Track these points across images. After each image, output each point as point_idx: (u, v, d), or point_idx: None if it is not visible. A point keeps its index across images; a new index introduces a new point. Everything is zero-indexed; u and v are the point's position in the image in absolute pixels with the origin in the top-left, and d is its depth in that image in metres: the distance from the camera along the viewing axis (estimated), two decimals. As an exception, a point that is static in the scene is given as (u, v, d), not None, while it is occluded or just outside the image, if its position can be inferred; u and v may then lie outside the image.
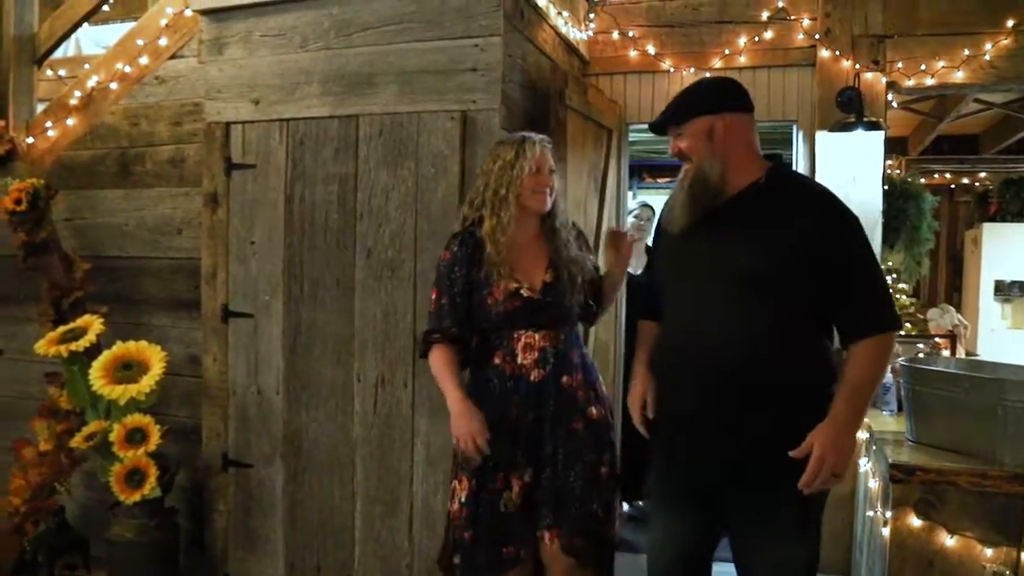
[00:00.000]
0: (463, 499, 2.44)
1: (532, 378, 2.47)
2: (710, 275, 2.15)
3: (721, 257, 2.14)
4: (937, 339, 3.58)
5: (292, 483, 3.20)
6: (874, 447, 2.77)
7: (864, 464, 3.08)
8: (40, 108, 3.76)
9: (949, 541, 2.30)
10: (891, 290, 4.22)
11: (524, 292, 2.48)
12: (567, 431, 2.47)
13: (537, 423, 2.47)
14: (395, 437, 3.02)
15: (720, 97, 2.22)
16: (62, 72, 4.62)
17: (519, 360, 2.49)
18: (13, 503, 3.24)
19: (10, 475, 3.30)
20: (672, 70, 3.90)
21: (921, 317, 4.24)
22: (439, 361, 2.48)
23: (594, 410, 2.52)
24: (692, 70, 3.86)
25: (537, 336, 2.51)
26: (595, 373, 2.58)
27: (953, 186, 7.78)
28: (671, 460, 2.29)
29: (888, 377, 3.17)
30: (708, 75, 3.85)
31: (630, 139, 4.24)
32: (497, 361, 2.49)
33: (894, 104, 3.90)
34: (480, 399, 2.45)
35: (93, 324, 3.17)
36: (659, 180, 7.75)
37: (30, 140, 3.62)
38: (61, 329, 3.19)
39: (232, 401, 3.29)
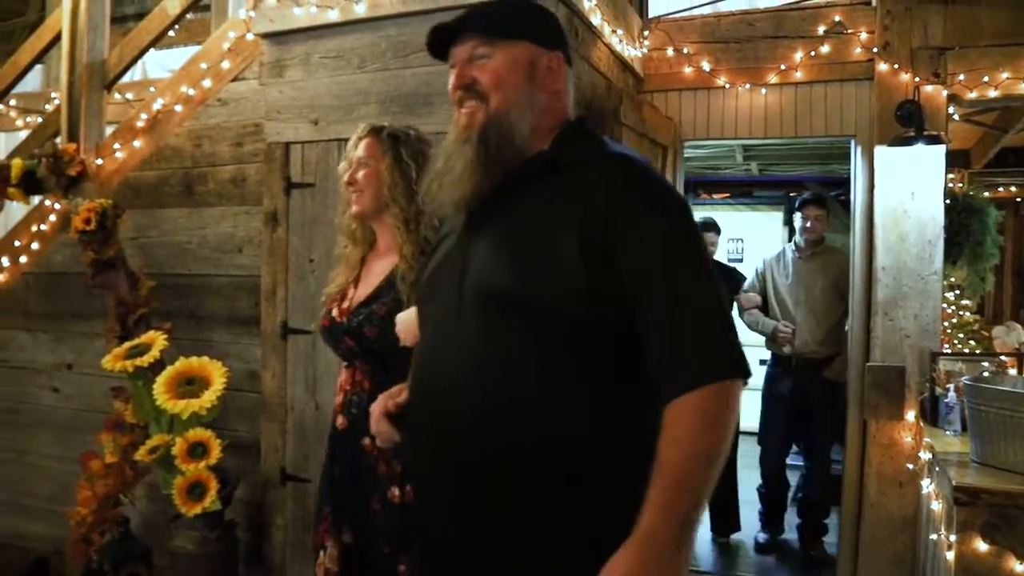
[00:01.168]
0: None
1: (338, 424, 2.07)
2: (462, 295, 1.45)
3: (477, 267, 1.45)
4: (1003, 358, 3.48)
5: (349, 498, 3.23)
6: (937, 468, 2.71)
7: (927, 486, 3.01)
8: (109, 131, 3.88)
9: (1019, 567, 2.24)
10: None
11: (334, 312, 2.08)
12: (365, 507, 1.99)
13: (342, 482, 2.06)
14: (450, 453, 3.03)
15: (557, 29, 1.56)
16: (129, 95, 4.76)
17: (336, 399, 2.10)
18: (81, 513, 3.33)
19: (78, 486, 3.39)
20: (728, 86, 3.88)
21: (986, 335, 4.14)
22: None
23: (396, 491, 1.94)
24: (748, 86, 3.84)
25: (344, 374, 2.08)
26: None
27: (1019, 199, 7.57)
28: None
29: (951, 396, 3.10)
30: (764, 91, 3.84)
31: (685, 155, 4.23)
32: None
33: (956, 117, 3.83)
34: None
35: (157, 340, 3.25)
36: (715, 196, 7.71)
37: (99, 162, 3.73)
38: (127, 345, 3.28)
39: (290, 416, 3.35)
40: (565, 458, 1.37)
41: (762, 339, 4.64)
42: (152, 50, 4.06)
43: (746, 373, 1.35)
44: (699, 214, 5.79)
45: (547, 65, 1.49)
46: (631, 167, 1.45)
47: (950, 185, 3.75)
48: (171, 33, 4.00)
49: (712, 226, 4.79)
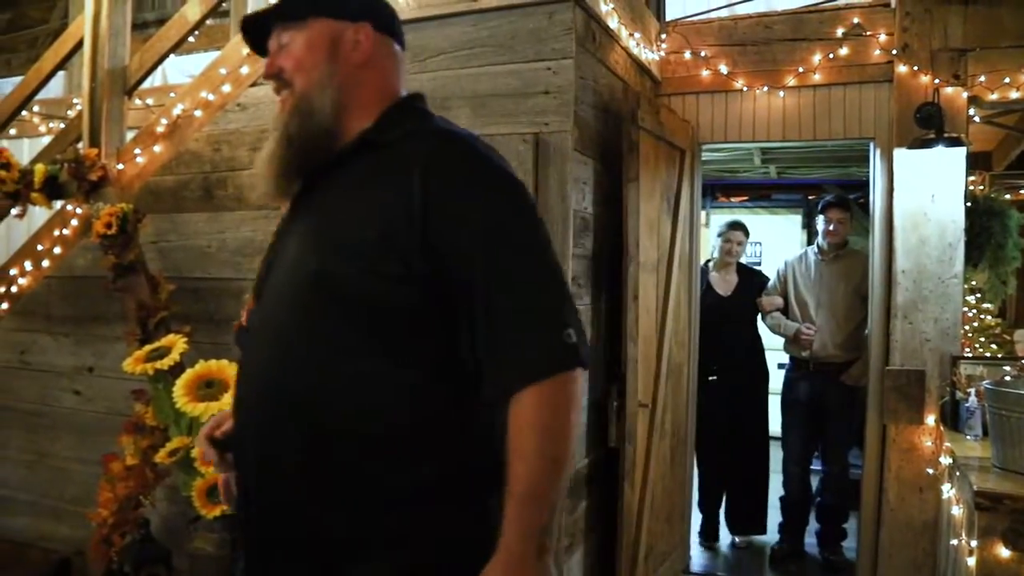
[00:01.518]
0: None
1: None
2: (282, 282, 1.41)
3: (289, 256, 1.42)
4: (1025, 361, 3.46)
5: (366, 501, 3.23)
6: (958, 473, 2.69)
7: (947, 490, 2.99)
8: (129, 136, 3.91)
9: (1040, 572, 2.22)
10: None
11: (243, 314, 1.94)
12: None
13: None
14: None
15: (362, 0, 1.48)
16: (150, 101, 4.81)
17: None
18: (102, 515, 3.35)
19: (99, 488, 3.42)
20: (745, 89, 3.87)
21: (1007, 339, 4.10)
22: None
23: None
24: (765, 88, 3.83)
25: None
26: None
27: (1041, 202, 7.49)
28: None
29: (972, 400, 3.07)
30: (782, 94, 3.82)
31: (703, 159, 4.22)
32: None
33: (976, 119, 3.80)
34: None
35: (177, 343, 3.27)
36: (733, 199, 7.68)
37: (120, 167, 3.77)
38: (147, 348, 3.30)
39: (309, 419, 3.35)
40: (386, 449, 1.30)
41: (781, 342, 4.62)
42: (172, 56, 4.10)
43: (581, 363, 1.26)
44: (720, 216, 5.79)
45: (353, 38, 1.42)
46: (455, 143, 1.36)
47: (971, 188, 3.73)
48: (191, 39, 4.03)
49: (739, 226, 4.76)
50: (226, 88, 3.67)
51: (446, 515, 1.30)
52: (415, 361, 1.30)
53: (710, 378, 4.33)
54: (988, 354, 3.76)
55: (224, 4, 4.09)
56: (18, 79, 4.50)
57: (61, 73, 5.08)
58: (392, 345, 1.29)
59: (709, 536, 4.68)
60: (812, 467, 4.62)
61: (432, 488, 1.30)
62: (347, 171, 1.39)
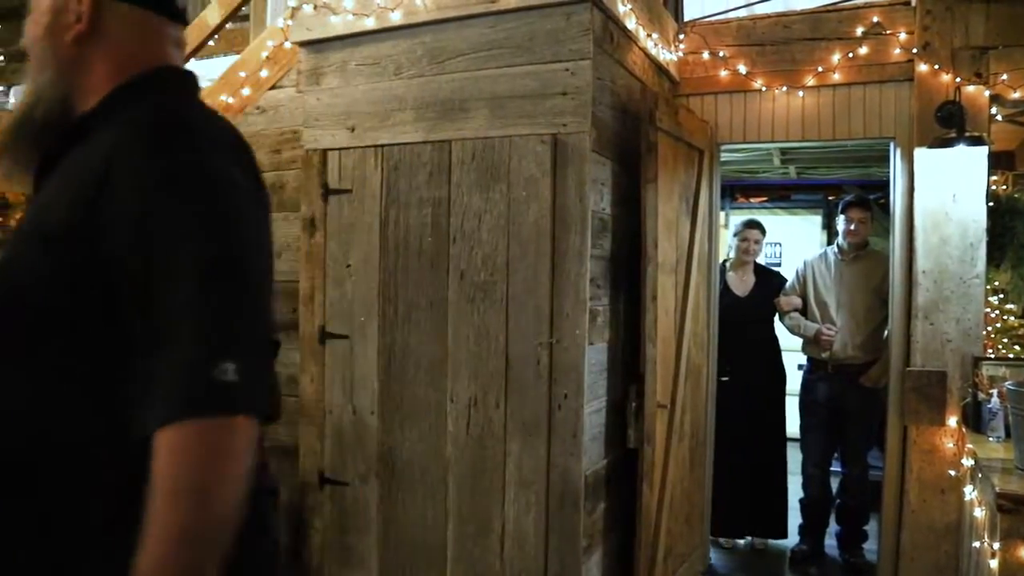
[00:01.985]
0: None
1: None
2: None
3: None
4: (1048, 362, 3.42)
5: (386, 502, 3.26)
6: (980, 475, 2.67)
7: (969, 492, 2.97)
8: (150, 139, 3.94)
9: (1064, 575, 2.20)
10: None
11: None
12: None
13: None
14: (487, 457, 3.05)
15: None
16: (170, 104, 4.84)
17: None
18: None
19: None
20: (764, 89, 3.86)
21: (1031, 339, 4.07)
22: None
23: None
24: (784, 88, 3.81)
25: None
26: None
27: (1064, 201, 7.40)
28: None
29: (995, 401, 3.05)
30: (801, 93, 3.81)
31: (722, 159, 4.21)
32: None
33: (998, 117, 3.77)
34: None
35: (198, 345, 3.30)
36: (752, 200, 7.66)
37: (141, 169, 3.80)
38: (169, 349, 3.33)
39: (328, 420, 3.38)
40: (48, 480, 1.09)
41: (797, 343, 4.60)
42: (192, 60, 4.13)
43: (235, 408, 1.02)
44: (739, 217, 5.76)
45: (76, 9, 1.19)
46: (152, 132, 1.12)
47: (993, 187, 3.70)
48: (211, 43, 4.06)
49: (756, 224, 4.74)
50: (246, 91, 3.70)
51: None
52: (84, 383, 1.10)
53: (721, 378, 4.31)
54: (1011, 355, 3.73)
55: (243, 8, 4.13)
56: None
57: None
58: (56, 364, 1.10)
59: (729, 532, 4.64)
60: (832, 468, 4.60)
61: (110, 528, 1.08)
62: (55, 166, 1.19)
